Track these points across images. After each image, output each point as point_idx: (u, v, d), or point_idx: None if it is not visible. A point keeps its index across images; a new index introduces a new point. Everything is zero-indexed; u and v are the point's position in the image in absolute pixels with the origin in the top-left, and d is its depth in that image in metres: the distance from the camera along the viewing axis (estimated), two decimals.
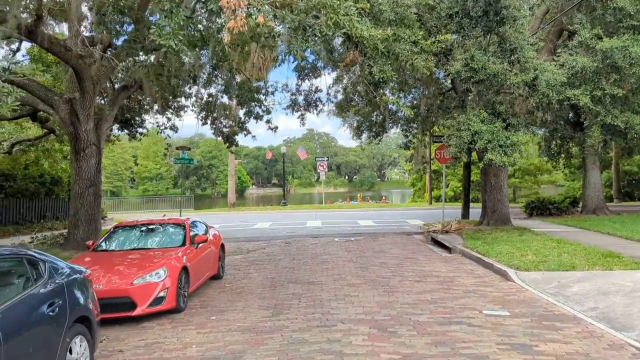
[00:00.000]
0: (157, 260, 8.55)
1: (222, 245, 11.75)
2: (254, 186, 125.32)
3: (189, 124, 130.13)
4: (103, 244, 9.63)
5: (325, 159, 39.59)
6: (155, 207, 40.03)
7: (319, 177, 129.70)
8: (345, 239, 17.74)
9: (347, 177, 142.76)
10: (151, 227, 10.13)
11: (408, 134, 22.08)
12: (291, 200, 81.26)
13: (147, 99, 19.87)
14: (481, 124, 13.48)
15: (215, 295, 9.86)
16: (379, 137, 23.13)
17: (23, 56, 17.31)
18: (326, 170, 37.82)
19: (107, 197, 76.45)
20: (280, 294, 9.64)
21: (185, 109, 21.26)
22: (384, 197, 53.76)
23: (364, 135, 23.68)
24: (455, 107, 16.27)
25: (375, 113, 22.56)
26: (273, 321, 7.82)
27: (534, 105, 14.47)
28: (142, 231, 9.97)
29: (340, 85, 19.55)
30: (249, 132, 20.01)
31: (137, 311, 7.83)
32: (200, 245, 9.94)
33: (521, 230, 16.48)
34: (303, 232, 20.53)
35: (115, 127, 21.92)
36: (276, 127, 19.44)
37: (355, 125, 23.12)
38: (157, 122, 20.68)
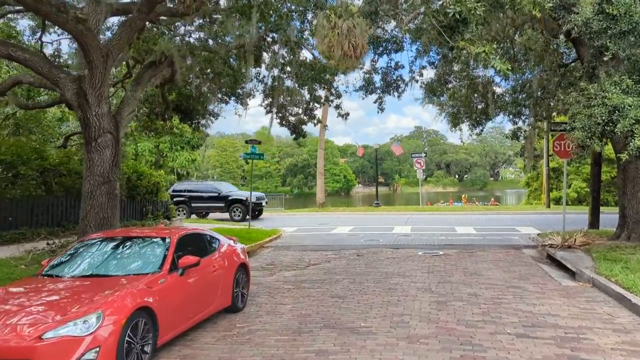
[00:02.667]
0: (94, 298, 5.59)
1: (243, 266, 8.64)
2: (360, 185, 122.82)
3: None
4: (54, 265, 6.89)
5: (423, 155, 35.03)
6: (267, 205, 38.38)
7: (427, 177, 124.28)
8: (432, 254, 13.98)
9: (457, 176, 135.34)
10: (124, 242, 7.19)
11: (517, 120, 17.63)
12: (396, 199, 77.24)
13: (207, 84, 17.38)
14: (624, 96, 9.17)
15: (210, 344, 6.75)
16: (480, 127, 18.91)
17: (59, 35, 15.39)
18: (424, 167, 33.54)
19: None
20: (298, 351, 6.33)
21: (251, 97, 18.49)
22: (493, 199, 48.12)
23: (464, 126, 19.56)
24: (580, 77, 11.90)
25: (476, 97, 18.45)
26: None
27: None
28: (111, 248, 7.09)
29: (425, 59, 15.67)
30: (319, 121, 16.82)
31: None
32: (190, 270, 6.87)
33: None
34: (384, 241, 16.98)
35: (178, 117, 19.84)
36: (347, 114, 16.00)
37: (452, 112, 19.13)
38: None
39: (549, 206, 31.21)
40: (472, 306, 8.28)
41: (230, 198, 26.04)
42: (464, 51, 6.94)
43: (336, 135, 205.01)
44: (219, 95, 18.63)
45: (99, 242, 7.24)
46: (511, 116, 17.46)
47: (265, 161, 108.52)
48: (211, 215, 27.32)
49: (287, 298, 9.22)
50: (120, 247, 7.08)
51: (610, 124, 9.33)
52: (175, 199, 26.38)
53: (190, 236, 7.67)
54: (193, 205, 26.52)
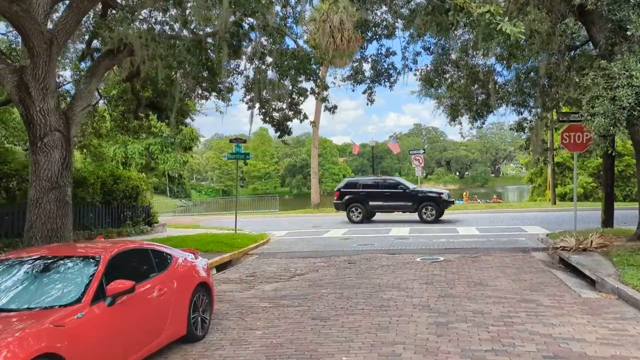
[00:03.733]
0: None
1: (204, 285, 7.22)
2: None
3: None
4: None
5: (421, 152, 33.33)
6: (261, 206, 37.79)
7: (427, 174, 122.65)
8: (431, 260, 12.56)
9: (457, 174, 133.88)
10: (42, 265, 5.76)
11: (522, 110, 16.15)
12: None
13: (182, 78, 15.97)
14: None
15: None
16: (481, 120, 17.46)
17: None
18: (422, 164, 32.07)
19: (219, 196, 76.71)
20: None
21: (232, 92, 17.06)
22: (495, 196, 46.68)
23: (464, 119, 18.11)
24: (596, 58, 10.48)
25: (476, 88, 17.02)
26: None
27: None
28: (27, 272, 5.66)
29: (420, 44, 14.18)
30: (305, 117, 15.39)
31: None
32: (124, 297, 5.45)
33: None
34: (379, 245, 15.58)
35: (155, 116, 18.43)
36: (334, 107, 14.60)
37: (450, 104, 17.73)
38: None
39: (554, 203, 29.82)
40: (478, 329, 6.86)
41: (420, 195, 22.56)
42: (463, 14, 5.55)
43: (335, 134, 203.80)
44: (199, 91, 17.30)
45: (10, 265, 5.80)
46: (515, 106, 16.02)
47: (264, 162, 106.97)
48: (378, 215, 24.33)
49: (260, 321, 7.81)
50: (36, 270, 5.65)
51: (638, 109, 7.92)
52: (346, 197, 23.21)
53: (131, 253, 6.24)
54: (371, 204, 23.10)
